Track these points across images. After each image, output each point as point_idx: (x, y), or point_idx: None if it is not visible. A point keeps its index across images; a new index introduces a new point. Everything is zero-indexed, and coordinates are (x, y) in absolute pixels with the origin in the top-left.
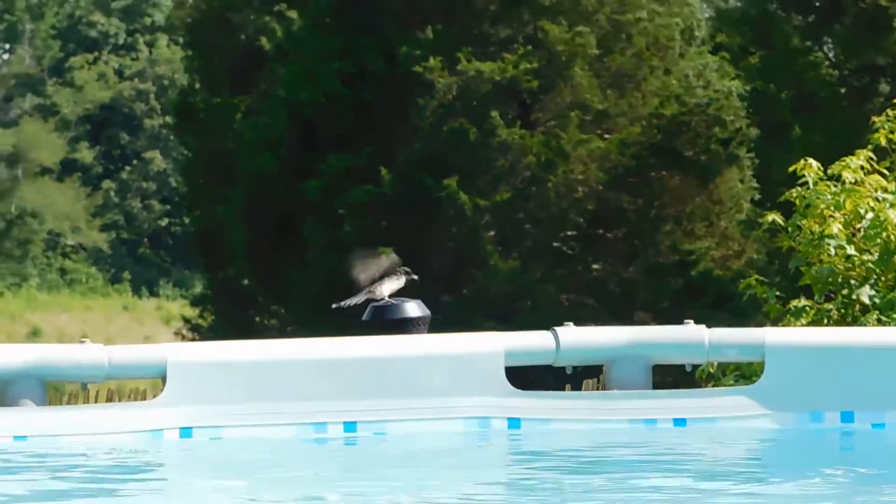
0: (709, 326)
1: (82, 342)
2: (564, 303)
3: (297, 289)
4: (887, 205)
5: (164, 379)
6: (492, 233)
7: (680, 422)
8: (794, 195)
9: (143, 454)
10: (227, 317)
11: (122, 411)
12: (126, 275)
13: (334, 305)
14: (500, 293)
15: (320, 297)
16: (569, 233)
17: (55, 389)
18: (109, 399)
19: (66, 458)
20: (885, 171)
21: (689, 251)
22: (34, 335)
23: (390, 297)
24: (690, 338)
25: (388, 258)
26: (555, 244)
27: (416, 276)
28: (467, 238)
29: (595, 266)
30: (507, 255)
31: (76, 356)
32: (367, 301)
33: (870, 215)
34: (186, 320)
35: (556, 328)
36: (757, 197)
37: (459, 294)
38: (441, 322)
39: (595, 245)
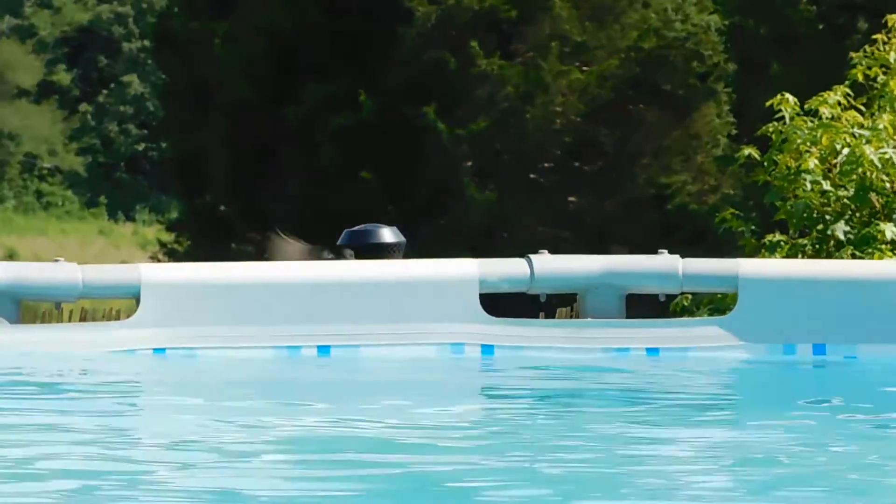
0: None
1: (56, 261)
2: (541, 235)
3: (276, 216)
4: (863, 140)
5: (137, 299)
6: (469, 163)
7: (653, 351)
8: (771, 130)
9: (115, 374)
10: (204, 243)
11: (95, 331)
12: (102, 199)
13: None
14: (476, 224)
15: (298, 224)
16: (546, 164)
17: (29, 309)
18: (83, 319)
19: (38, 376)
20: (862, 108)
21: (666, 185)
22: (10, 257)
23: None
24: (664, 267)
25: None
26: (532, 176)
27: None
28: (445, 168)
29: (572, 199)
30: (485, 185)
31: (50, 275)
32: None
33: (846, 151)
34: (163, 245)
35: (531, 255)
36: (734, 132)
37: (436, 223)
38: (417, 251)
39: (572, 178)
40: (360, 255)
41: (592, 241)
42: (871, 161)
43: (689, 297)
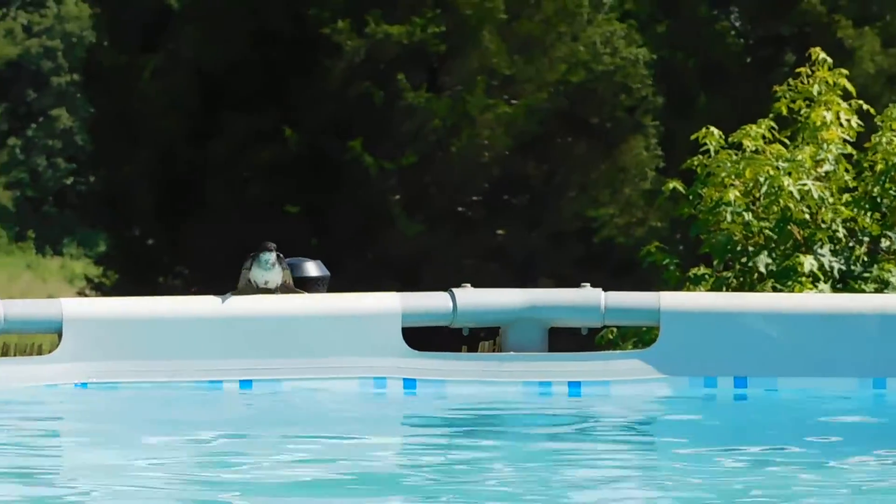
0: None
1: None
2: (468, 268)
3: (201, 250)
4: (783, 173)
5: (60, 334)
6: (397, 196)
7: (575, 385)
8: (696, 163)
9: (37, 408)
10: (131, 276)
11: (16, 365)
12: (30, 233)
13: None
14: (404, 256)
15: (223, 258)
16: (474, 198)
17: None
18: (5, 354)
19: None
20: (787, 140)
21: (593, 218)
22: None
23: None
24: (586, 300)
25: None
26: (459, 209)
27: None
28: (372, 201)
29: (499, 231)
30: (412, 218)
31: None
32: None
33: (768, 182)
34: (90, 280)
35: (454, 289)
36: (662, 165)
37: (363, 257)
38: (345, 284)
39: (499, 211)
40: (283, 288)
41: (519, 274)
42: (792, 193)
43: (615, 330)
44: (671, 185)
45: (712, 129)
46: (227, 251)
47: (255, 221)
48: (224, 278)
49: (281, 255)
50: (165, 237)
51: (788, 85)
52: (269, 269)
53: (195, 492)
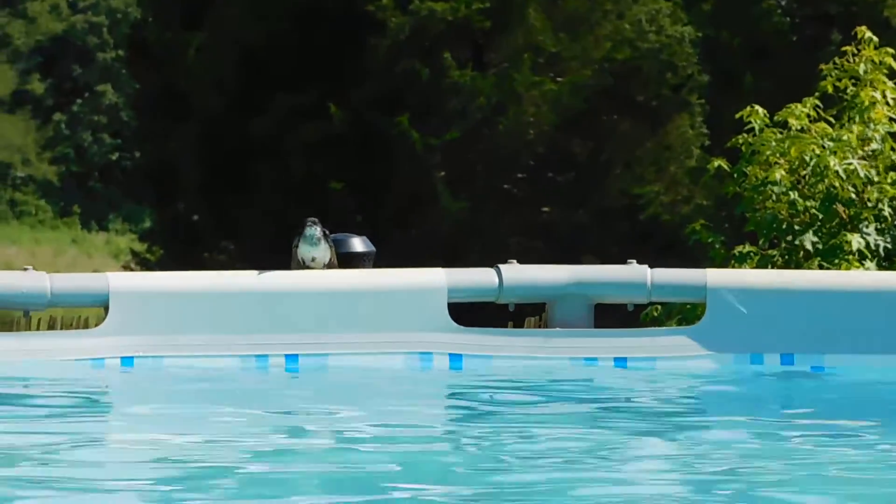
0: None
1: (25, 270)
2: (513, 245)
3: (246, 225)
4: (829, 152)
5: (106, 308)
6: (442, 173)
7: (620, 361)
8: (741, 141)
9: (84, 381)
10: (176, 252)
11: (63, 339)
12: (76, 208)
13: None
14: (448, 233)
15: (268, 233)
16: (519, 175)
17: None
18: (51, 327)
19: (4, 385)
20: (832, 119)
21: (638, 196)
22: None
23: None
24: (633, 277)
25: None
26: (505, 186)
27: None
28: (418, 177)
29: (544, 209)
30: (457, 195)
31: (19, 283)
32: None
33: (814, 161)
34: (135, 254)
35: (500, 265)
36: (707, 143)
37: (408, 233)
38: (390, 260)
39: (544, 188)
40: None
41: (564, 252)
42: (838, 172)
43: (659, 307)
44: (716, 163)
45: (757, 107)
46: (271, 227)
47: (299, 197)
48: (268, 253)
49: (326, 231)
50: (210, 212)
51: (834, 64)
52: (315, 244)
53: (239, 464)
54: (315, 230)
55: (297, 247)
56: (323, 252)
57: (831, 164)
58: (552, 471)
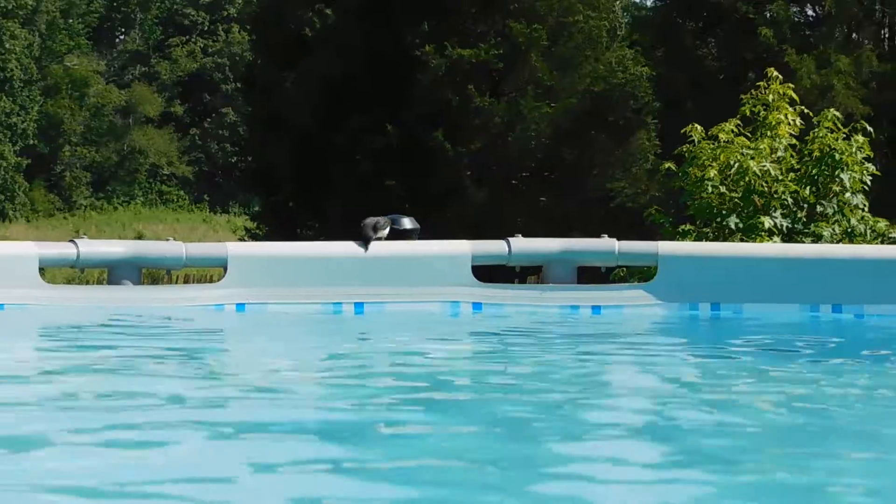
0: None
1: (167, 240)
2: (520, 224)
3: (327, 210)
4: (748, 158)
5: (225, 268)
6: (469, 172)
7: (596, 309)
8: (684, 150)
9: (208, 321)
10: (277, 229)
11: (195, 291)
12: (205, 197)
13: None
14: (473, 216)
15: (343, 215)
16: (524, 174)
17: (148, 274)
18: (186, 281)
19: (152, 323)
20: (749, 134)
21: (610, 189)
22: (138, 237)
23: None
24: (605, 247)
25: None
26: (513, 182)
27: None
28: (450, 176)
29: (542, 199)
30: (479, 188)
31: (162, 249)
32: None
33: (737, 165)
34: (247, 230)
35: (509, 238)
36: (659, 151)
37: (443, 216)
38: (430, 235)
39: (542, 184)
40: (387, 237)
41: (557, 229)
42: (754, 172)
43: (625, 269)
44: (666, 165)
45: (696, 125)
46: (345, 211)
47: (365, 190)
48: (343, 230)
49: (388, 220)
50: (301, 201)
51: (751, 94)
52: (382, 227)
53: (322, 374)
54: (381, 220)
55: (373, 230)
56: (384, 234)
57: (751, 166)
58: (547, 385)
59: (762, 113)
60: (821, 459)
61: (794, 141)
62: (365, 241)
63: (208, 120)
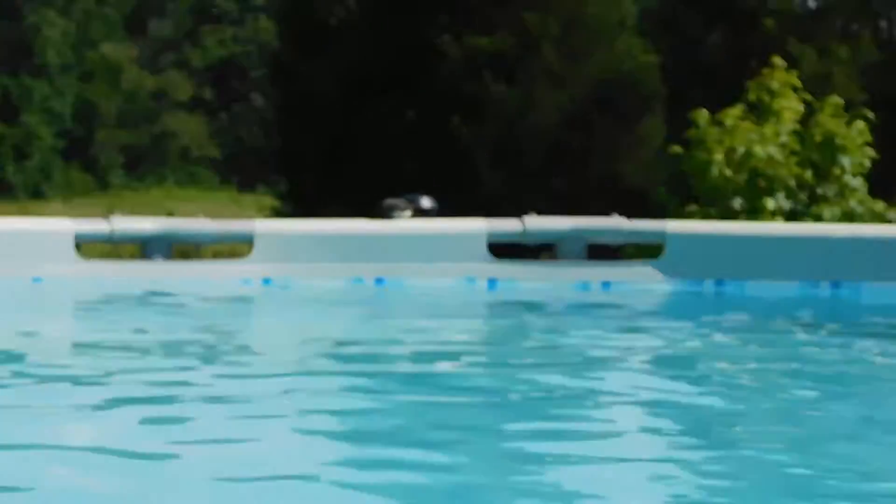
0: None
1: (197, 217)
2: (533, 204)
3: (349, 191)
4: (754, 142)
5: (252, 244)
6: (485, 155)
7: (606, 284)
8: (692, 134)
9: (237, 293)
10: (302, 208)
11: (223, 265)
12: (234, 178)
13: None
14: (488, 195)
15: (364, 197)
16: (536, 157)
17: (178, 249)
18: (216, 256)
19: (183, 294)
20: (753, 120)
21: (620, 171)
22: (169, 215)
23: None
24: (615, 225)
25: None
26: (527, 164)
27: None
28: (467, 158)
29: (555, 179)
30: (495, 170)
31: (192, 226)
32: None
33: (742, 149)
34: (274, 209)
35: (523, 216)
36: (666, 136)
37: (461, 196)
38: (448, 214)
39: (555, 166)
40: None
41: (568, 209)
42: (759, 156)
43: (634, 247)
44: (674, 149)
45: (703, 110)
46: (367, 193)
47: (386, 173)
48: (364, 209)
49: (408, 203)
50: (325, 183)
51: (755, 82)
52: (402, 208)
53: (344, 341)
54: (401, 203)
55: (396, 210)
56: (405, 213)
57: (756, 150)
58: (550, 347)
59: (766, 99)
60: (819, 422)
61: (796, 126)
62: (394, 212)
63: (237, 105)
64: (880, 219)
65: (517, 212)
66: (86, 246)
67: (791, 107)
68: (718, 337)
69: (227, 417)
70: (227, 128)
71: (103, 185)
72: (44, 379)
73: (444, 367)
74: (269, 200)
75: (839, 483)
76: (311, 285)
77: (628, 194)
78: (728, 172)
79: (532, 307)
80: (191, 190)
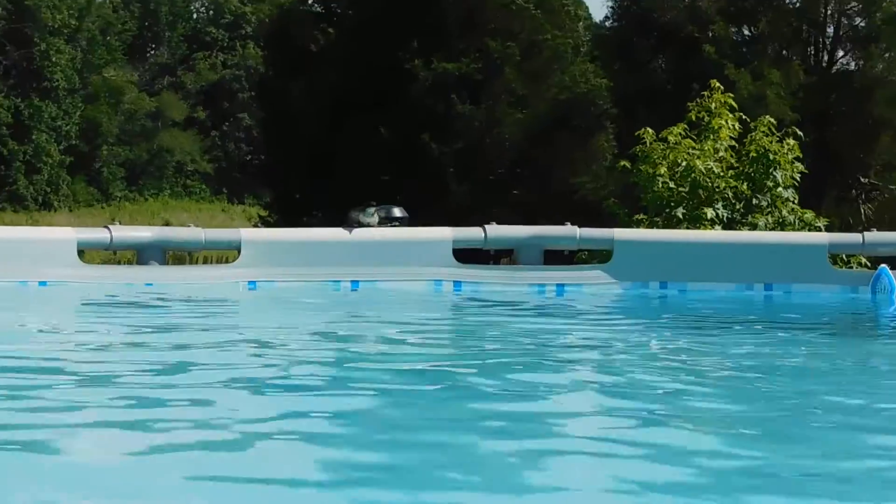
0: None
1: (188, 226)
2: (495, 214)
3: (330, 201)
4: (694, 157)
5: (239, 250)
6: (452, 169)
7: (561, 286)
8: (638, 150)
9: (225, 296)
10: (286, 216)
11: (212, 270)
12: (224, 190)
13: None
14: (456, 206)
15: (344, 206)
16: (499, 170)
17: (173, 256)
18: (205, 261)
19: (176, 296)
20: (694, 137)
21: (574, 184)
22: (165, 224)
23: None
24: (567, 233)
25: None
26: (491, 177)
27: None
28: (437, 171)
29: (515, 191)
30: (461, 183)
31: (184, 234)
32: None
33: (684, 163)
34: (260, 218)
35: (486, 226)
36: (616, 151)
37: (429, 207)
38: (418, 223)
39: (515, 179)
40: (380, 224)
41: (527, 218)
42: (699, 170)
43: (586, 252)
44: (623, 163)
45: (648, 129)
46: (346, 201)
47: (363, 184)
48: (344, 218)
49: (378, 208)
50: (308, 193)
51: (696, 103)
52: (370, 216)
53: (324, 339)
54: (372, 209)
55: (358, 214)
56: (374, 220)
57: (696, 164)
58: (511, 344)
59: (706, 118)
60: (752, 403)
61: (733, 143)
62: (349, 227)
63: (227, 123)
64: (810, 227)
65: (483, 221)
66: (88, 252)
67: (728, 125)
68: (663, 333)
69: (220, 414)
70: (218, 144)
71: (106, 196)
72: (43, 371)
73: (414, 362)
74: (257, 210)
75: (770, 455)
76: (293, 287)
77: (581, 204)
78: (671, 185)
79: (494, 307)
80: (185, 201)
